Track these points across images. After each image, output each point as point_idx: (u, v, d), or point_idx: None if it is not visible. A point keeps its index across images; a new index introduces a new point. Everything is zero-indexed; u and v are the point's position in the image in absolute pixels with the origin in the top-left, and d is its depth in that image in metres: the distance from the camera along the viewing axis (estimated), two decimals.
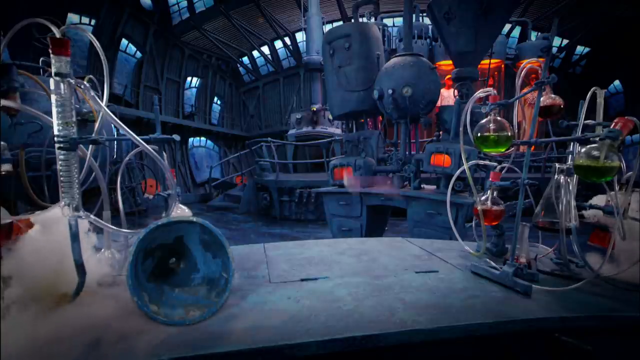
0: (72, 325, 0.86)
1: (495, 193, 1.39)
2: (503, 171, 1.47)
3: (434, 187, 4.26)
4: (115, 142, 3.03)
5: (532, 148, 1.23)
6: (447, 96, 7.98)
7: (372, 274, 1.28)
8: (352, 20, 5.24)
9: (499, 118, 1.28)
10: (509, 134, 1.26)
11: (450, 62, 5.03)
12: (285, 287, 1.15)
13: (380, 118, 5.65)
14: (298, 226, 7.69)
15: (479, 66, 4.46)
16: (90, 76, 1.18)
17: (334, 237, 4.61)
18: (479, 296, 1.08)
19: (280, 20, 17.32)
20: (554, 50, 15.63)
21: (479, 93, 1.38)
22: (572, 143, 1.27)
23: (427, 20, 11.04)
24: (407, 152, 4.50)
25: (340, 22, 15.51)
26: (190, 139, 18.31)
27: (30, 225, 0.97)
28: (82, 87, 1.03)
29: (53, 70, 0.91)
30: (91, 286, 1.00)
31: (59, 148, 0.93)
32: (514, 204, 1.32)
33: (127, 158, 1.57)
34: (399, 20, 14.19)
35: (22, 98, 1.06)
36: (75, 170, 0.95)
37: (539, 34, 13.71)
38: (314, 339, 0.83)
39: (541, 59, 1.29)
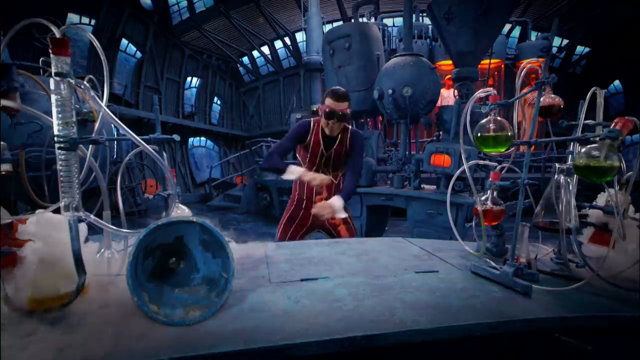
0: (72, 326, 0.86)
1: (495, 193, 1.39)
2: (503, 171, 1.47)
3: (434, 187, 4.26)
4: (115, 142, 3.03)
5: (532, 148, 1.23)
6: (447, 96, 7.98)
7: (372, 274, 1.28)
8: (352, 20, 5.24)
9: (499, 118, 1.28)
10: (509, 134, 1.26)
11: (450, 62, 5.04)
12: (285, 287, 1.15)
13: (380, 118, 5.65)
14: None
15: (479, 66, 4.47)
16: (90, 76, 1.18)
17: None
18: (479, 296, 1.08)
19: (280, 20, 17.33)
20: (554, 50, 15.63)
21: (479, 93, 1.38)
22: (572, 143, 1.27)
23: (427, 20, 11.04)
24: (407, 152, 4.50)
25: (340, 22, 15.51)
26: (190, 139, 18.32)
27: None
28: (82, 87, 1.02)
29: (53, 70, 0.91)
30: (91, 286, 1.00)
31: (59, 148, 0.93)
32: (514, 204, 1.32)
33: (127, 158, 1.57)
34: (399, 20, 14.19)
35: (22, 98, 1.05)
36: (75, 170, 0.95)
37: (539, 34, 13.72)
38: (314, 339, 0.83)
39: (541, 59, 1.29)
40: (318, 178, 2.04)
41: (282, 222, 2.38)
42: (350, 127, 2.27)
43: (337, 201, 2.04)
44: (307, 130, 2.18)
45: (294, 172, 2.06)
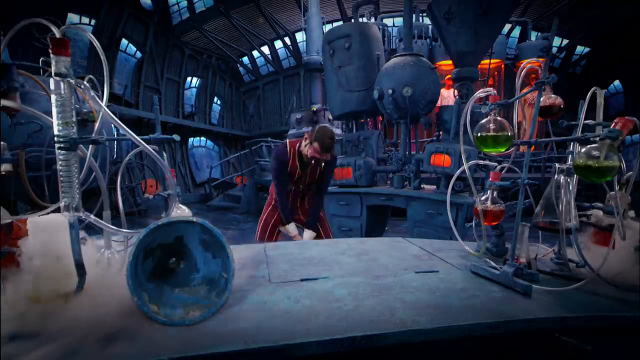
0: (72, 325, 0.86)
1: (495, 193, 1.39)
2: (503, 171, 1.47)
3: (434, 187, 4.25)
4: (115, 142, 3.03)
5: (532, 148, 1.23)
6: (447, 96, 7.97)
7: (372, 273, 1.28)
8: (352, 20, 5.23)
9: (499, 118, 1.28)
10: (509, 134, 1.26)
11: (450, 62, 5.03)
12: (285, 287, 1.15)
13: (380, 118, 5.65)
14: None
15: (479, 66, 4.46)
16: (90, 76, 1.18)
17: (334, 237, 4.60)
18: (479, 296, 1.08)
19: (280, 20, 17.31)
20: (554, 50, 15.61)
21: (479, 93, 1.39)
22: (572, 143, 1.27)
23: (427, 20, 11.03)
24: (407, 152, 4.50)
25: (340, 22, 15.49)
26: (190, 139, 18.30)
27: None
28: (82, 87, 1.02)
29: (53, 70, 0.91)
30: (91, 286, 1.00)
31: (59, 148, 0.93)
32: (514, 204, 1.32)
33: (127, 158, 1.57)
34: (399, 20, 14.18)
35: (22, 98, 1.05)
36: (75, 170, 0.95)
37: (539, 34, 13.70)
38: (314, 339, 0.83)
39: (541, 59, 1.29)
40: (296, 234, 2.43)
41: (260, 222, 2.59)
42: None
43: (308, 235, 2.45)
44: (286, 157, 2.37)
45: (289, 231, 2.45)
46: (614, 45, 14.12)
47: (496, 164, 1.48)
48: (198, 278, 1.03)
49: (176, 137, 1.33)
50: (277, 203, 2.50)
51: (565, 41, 15.92)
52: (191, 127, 17.32)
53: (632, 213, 1.25)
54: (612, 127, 1.07)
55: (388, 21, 13.75)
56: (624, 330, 1.01)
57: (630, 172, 1.18)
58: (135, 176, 10.94)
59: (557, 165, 1.27)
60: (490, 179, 1.39)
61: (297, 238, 2.43)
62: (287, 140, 2.43)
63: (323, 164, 2.41)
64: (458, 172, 1.66)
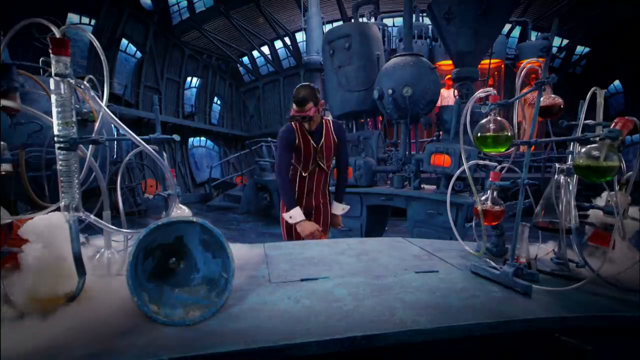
0: (72, 326, 0.86)
1: (495, 193, 1.39)
2: (503, 171, 1.47)
3: (434, 187, 4.26)
4: (115, 142, 3.03)
5: (532, 148, 1.23)
6: (447, 96, 7.98)
7: (372, 273, 1.28)
8: (352, 20, 5.24)
9: (499, 118, 1.28)
10: (509, 134, 1.26)
11: (450, 62, 5.03)
12: (285, 287, 1.15)
13: (380, 118, 5.65)
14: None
15: (479, 66, 4.46)
16: (90, 76, 1.18)
17: (334, 237, 4.60)
18: (479, 296, 1.08)
19: (280, 20, 17.31)
20: (554, 50, 15.61)
21: (479, 93, 1.38)
22: (572, 143, 1.27)
23: (427, 20, 11.03)
24: (407, 152, 4.50)
25: (340, 22, 15.50)
26: (190, 139, 18.30)
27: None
28: (82, 87, 1.03)
29: (53, 70, 0.91)
30: (91, 286, 1.00)
31: (59, 148, 0.93)
32: (514, 204, 1.32)
33: (127, 158, 1.57)
34: (399, 20, 14.18)
35: (22, 98, 1.05)
36: (75, 170, 0.95)
37: (539, 34, 13.70)
38: (314, 339, 0.83)
39: (541, 59, 1.29)
40: (307, 230, 2.23)
41: (283, 219, 2.42)
42: (328, 119, 2.42)
43: (341, 209, 2.50)
44: (293, 134, 2.28)
45: (294, 218, 2.24)
46: (614, 45, 14.12)
47: (496, 164, 1.48)
48: (198, 278, 1.03)
49: (176, 137, 1.33)
50: (281, 186, 2.29)
51: (565, 41, 15.92)
52: (191, 127, 17.33)
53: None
54: (612, 127, 1.07)
55: (388, 21, 13.75)
56: (624, 330, 1.01)
57: (630, 172, 1.18)
58: (135, 176, 10.94)
59: (557, 165, 1.27)
60: (490, 179, 1.39)
61: (306, 232, 2.21)
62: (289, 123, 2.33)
63: (334, 134, 2.34)
64: (458, 172, 1.66)
